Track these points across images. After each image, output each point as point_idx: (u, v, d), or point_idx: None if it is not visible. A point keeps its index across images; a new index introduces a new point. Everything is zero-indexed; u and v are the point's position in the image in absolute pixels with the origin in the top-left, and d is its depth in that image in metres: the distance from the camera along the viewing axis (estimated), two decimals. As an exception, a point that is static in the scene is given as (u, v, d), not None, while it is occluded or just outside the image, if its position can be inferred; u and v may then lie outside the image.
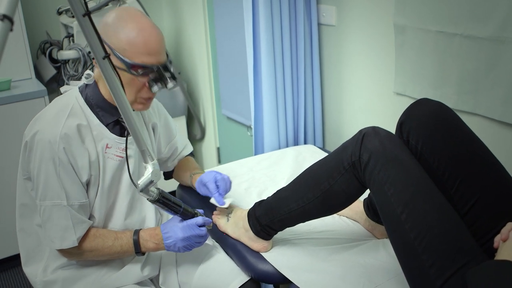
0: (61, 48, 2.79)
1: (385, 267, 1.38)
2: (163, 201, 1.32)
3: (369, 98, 2.10)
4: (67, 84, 1.59)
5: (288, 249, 1.49)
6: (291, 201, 1.40)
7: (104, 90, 1.40)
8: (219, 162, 3.26)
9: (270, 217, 1.43)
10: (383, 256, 1.44)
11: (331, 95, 2.28)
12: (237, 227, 1.52)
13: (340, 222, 1.64)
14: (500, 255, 1.10)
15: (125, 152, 1.43)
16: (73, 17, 2.65)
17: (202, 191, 1.60)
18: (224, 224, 1.56)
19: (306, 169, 1.44)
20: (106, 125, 1.42)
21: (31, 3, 2.93)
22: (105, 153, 1.42)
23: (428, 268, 1.13)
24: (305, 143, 2.32)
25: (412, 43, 1.82)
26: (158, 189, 1.31)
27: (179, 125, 3.13)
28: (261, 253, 1.47)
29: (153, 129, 1.63)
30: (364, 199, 1.60)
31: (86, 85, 1.44)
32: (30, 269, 1.51)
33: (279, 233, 1.48)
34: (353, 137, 1.34)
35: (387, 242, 1.48)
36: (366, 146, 1.28)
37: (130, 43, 1.30)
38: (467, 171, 1.28)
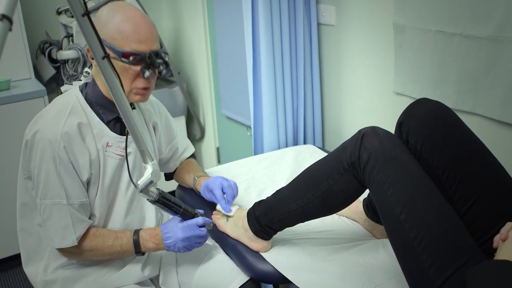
0: (60, 48, 2.79)
1: (385, 267, 1.38)
2: (163, 201, 1.32)
3: (369, 98, 2.10)
4: (67, 83, 1.59)
5: (287, 249, 1.49)
6: (290, 201, 1.40)
7: (103, 87, 1.41)
8: (219, 162, 3.26)
9: (270, 217, 1.43)
10: (382, 256, 1.44)
11: (331, 95, 2.29)
12: (236, 227, 1.52)
13: (340, 222, 1.64)
14: (499, 255, 1.10)
15: (125, 151, 1.43)
16: (72, 17, 2.65)
17: (207, 196, 1.60)
18: (223, 224, 1.56)
19: (306, 169, 1.44)
20: (107, 123, 1.43)
21: (31, 3, 2.93)
22: (105, 151, 1.42)
23: (428, 268, 1.13)
24: (305, 143, 2.32)
25: (412, 43, 1.82)
26: (158, 189, 1.31)
27: (179, 125, 3.11)
28: (260, 253, 1.47)
29: (154, 129, 1.63)
30: (364, 199, 1.60)
31: (86, 83, 1.44)
32: (31, 269, 1.51)
33: (278, 233, 1.48)
34: (352, 137, 1.34)
35: (386, 242, 1.48)
36: (365, 146, 1.28)
37: (119, 32, 1.31)
38: (466, 171, 1.29)
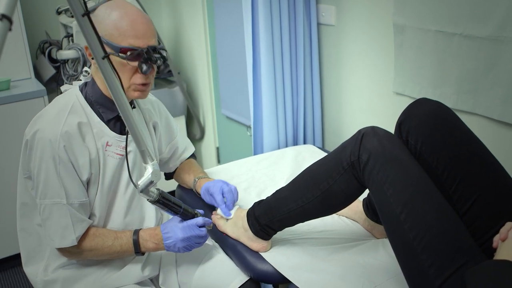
0: (60, 48, 2.79)
1: (385, 267, 1.38)
2: (163, 201, 1.32)
3: (369, 98, 2.10)
4: (66, 83, 1.59)
5: (287, 249, 1.49)
6: (290, 201, 1.40)
7: (102, 85, 1.41)
8: (219, 162, 3.26)
9: (269, 217, 1.43)
10: (382, 256, 1.44)
11: (331, 95, 2.29)
12: (236, 227, 1.52)
13: (340, 222, 1.64)
14: (499, 255, 1.10)
15: (125, 150, 1.43)
16: (72, 17, 2.65)
17: (207, 199, 1.61)
18: (223, 224, 1.56)
19: (305, 169, 1.44)
20: (107, 122, 1.43)
21: (31, 3, 2.93)
22: (105, 151, 1.42)
23: (427, 268, 1.13)
24: (305, 143, 2.32)
25: (412, 43, 1.82)
26: (158, 189, 1.31)
27: (179, 125, 3.12)
28: (260, 253, 1.47)
29: (154, 128, 1.63)
30: (364, 199, 1.60)
31: (86, 83, 1.44)
32: (31, 269, 1.51)
33: (278, 233, 1.48)
34: (352, 137, 1.34)
35: (386, 242, 1.48)
36: (365, 146, 1.28)
37: (116, 27, 1.32)
38: (466, 171, 1.29)
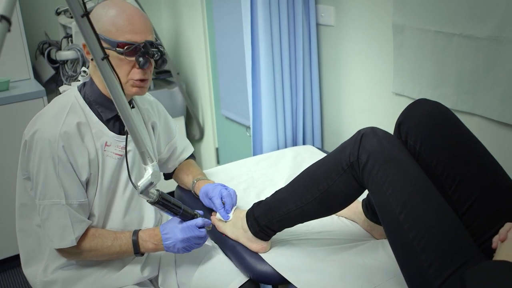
0: (59, 49, 2.79)
1: (384, 268, 1.38)
2: (162, 202, 1.32)
3: (368, 98, 2.10)
4: (65, 84, 1.59)
5: (286, 250, 1.49)
6: (289, 201, 1.40)
7: (101, 84, 1.41)
8: (218, 162, 3.26)
9: (269, 218, 1.43)
10: (382, 256, 1.44)
11: (330, 96, 2.29)
12: (235, 227, 1.52)
13: (339, 223, 1.64)
14: (498, 256, 1.10)
15: (124, 150, 1.43)
16: (71, 17, 2.65)
17: (206, 203, 1.61)
18: (222, 225, 1.56)
19: (305, 169, 1.44)
20: (106, 122, 1.43)
21: (30, 3, 2.93)
22: (104, 151, 1.42)
23: (427, 268, 1.13)
24: (304, 143, 2.32)
25: (411, 43, 1.82)
26: (158, 190, 1.31)
27: (178, 125, 3.12)
28: (259, 254, 1.47)
29: (153, 128, 1.63)
30: (363, 200, 1.60)
31: (84, 83, 1.44)
32: (30, 270, 1.51)
33: (277, 233, 1.48)
34: (351, 138, 1.34)
35: (385, 242, 1.48)
36: (364, 147, 1.28)
37: (113, 23, 1.33)
38: (465, 171, 1.29)
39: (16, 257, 1.86)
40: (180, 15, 3.23)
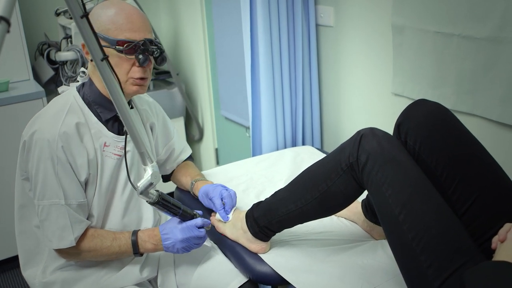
0: (59, 50, 2.79)
1: (384, 268, 1.38)
2: (162, 203, 1.32)
3: (367, 99, 2.10)
4: (65, 85, 1.60)
5: (286, 250, 1.49)
6: (289, 202, 1.40)
7: (100, 84, 1.42)
8: (217, 163, 3.26)
9: (268, 218, 1.43)
10: (381, 257, 1.44)
11: (329, 96, 2.29)
12: (235, 228, 1.52)
13: (338, 223, 1.64)
14: (498, 256, 1.10)
15: (123, 151, 1.43)
16: (71, 18, 2.65)
17: (206, 203, 1.61)
18: (222, 225, 1.56)
19: (304, 170, 1.44)
20: (106, 122, 1.43)
21: (29, 4, 2.93)
22: (103, 151, 1.42)
23: (426, 269, 1.13)
24: (303, 144, 2.32)
25: (410, 44, 1.82)
26: (157, 191, 1.31)
27: (177, 126, 3.13)
28: (259, 255, 1.47)
29: (151, 129, 1.63)
30: (362, 200, 1.60)
31: (83, 83, 1.45)
32: (29, 272, 1.50)
33: (277, 234, 1.48)
34: (350, 138, 1.34)
35: (385, 243, 1.48)
36: (364, 147, 1.28)
37: (112, 22, 1.34)
38: (465, 172, 1.29)
39: (15, 258, 1.86)
40: (179, 15, 3.23)
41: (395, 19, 1.85)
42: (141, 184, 1.25)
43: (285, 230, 1.48)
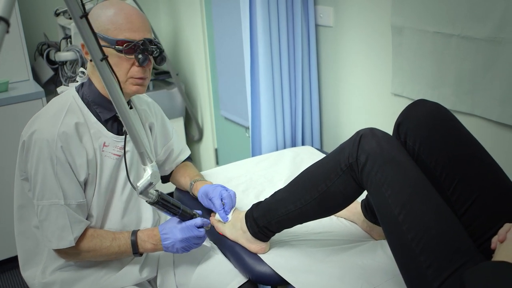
0: (58, 50, 2.79)
1: (383, 268, 1.38)
2: (162, 203, 1.32)
3: (367, 99, 2.10)
4: (64, 85, 1.60)
5: (285, 251, 1.49)
6: (288, 202, 1.40)
7: (99, 84, 1.42)
8: (217, 163, 3.26)
9: (268, 219, 1.43)
10: (381, 257, 1.44)
11: (329, 96, 2.29)
12: (234, 228, 1.51)
13: (338, 224, 1.64)
14: (497, 256, 1.10)
15: (123, 151, 1.43)
16: (70, 18, 2.65)
17: (205, 203, 1.61)
18: (222, 225, 1.56)
19: (304, 170, 1.44)
20: (105, 122, 1.43)
21: (29, 4, 2.93)
22: (102, 151, 1.42)
23: (426, 269, 1.13)
24: (303, 144, 2.32)
25: (410, 44, 1.82)
26: (157, 191, 1.31)
27: (177, 126, 3.13)
28: (258, 255, 1.47)
29: (150, 129, 1.63)
30: (362, 200, 1.60)
31: (82, 84, 1.45)
32: (29, 272, 1.50)
33: (276, 234, 1.48)
34: (350, 139, 1.34)
35: (384, 243, 1.48)
36: (363, 148, 1.28)
37: (111, 22, 1.34)
38: (464, 172, 1.29)
39: (15, 259, 1.86)
40: (179, 15, 3.23)
41: (395, 20, 1.85)
42: (140, 184, 1.25)
43: (285, 230, 1.48)
